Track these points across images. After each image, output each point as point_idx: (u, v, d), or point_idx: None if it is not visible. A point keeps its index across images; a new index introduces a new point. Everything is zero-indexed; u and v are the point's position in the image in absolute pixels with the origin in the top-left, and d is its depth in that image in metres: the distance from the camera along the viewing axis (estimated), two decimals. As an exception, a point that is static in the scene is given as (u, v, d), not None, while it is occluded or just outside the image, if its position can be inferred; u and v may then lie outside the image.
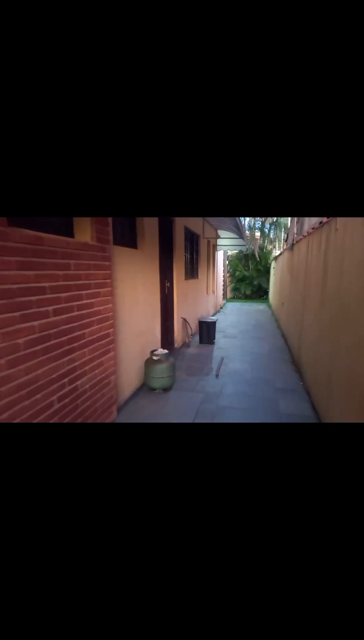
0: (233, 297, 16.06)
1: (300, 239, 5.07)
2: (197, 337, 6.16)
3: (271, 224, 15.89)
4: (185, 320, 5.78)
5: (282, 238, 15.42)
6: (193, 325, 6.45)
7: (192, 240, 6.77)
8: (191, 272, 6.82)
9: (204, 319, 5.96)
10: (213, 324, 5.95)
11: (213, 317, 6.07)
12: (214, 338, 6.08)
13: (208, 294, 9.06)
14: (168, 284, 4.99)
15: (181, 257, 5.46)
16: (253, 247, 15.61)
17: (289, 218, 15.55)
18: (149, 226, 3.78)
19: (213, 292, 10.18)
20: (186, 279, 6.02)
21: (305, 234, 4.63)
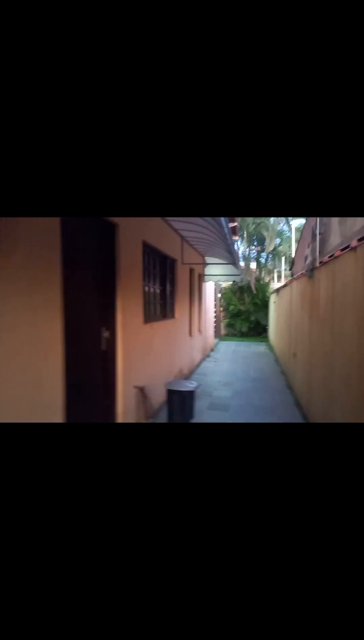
0: (228, 335, 13.95)
1: (328, 261, 3.04)
2: (165, 413, 3.85)
3: (268, 254, 14.36)
4: (141, 390, 3.52)
5: (282, 268, 13.79)
6: (162, 393, 4.17)
7: (164, 266, 4.76)
8: (162, 310, 4.73)
9: (176, 386, 3.72)
10: (191, 394, 3.70)
11: (190, 384, 3.82)
12: (192, 414, 3.79)
13: (193, 336, 6.92)
14: (107, 334, 2.83)
15: (136, 289, 3.37)
16: (248, 279, 13.86)
17: (293, 245, 14.16)
18: (30, 226, 1.70)
19: (200, 332, 8.06)
20: (149, 321, 3.89)
21: (337, 253, 2.62)
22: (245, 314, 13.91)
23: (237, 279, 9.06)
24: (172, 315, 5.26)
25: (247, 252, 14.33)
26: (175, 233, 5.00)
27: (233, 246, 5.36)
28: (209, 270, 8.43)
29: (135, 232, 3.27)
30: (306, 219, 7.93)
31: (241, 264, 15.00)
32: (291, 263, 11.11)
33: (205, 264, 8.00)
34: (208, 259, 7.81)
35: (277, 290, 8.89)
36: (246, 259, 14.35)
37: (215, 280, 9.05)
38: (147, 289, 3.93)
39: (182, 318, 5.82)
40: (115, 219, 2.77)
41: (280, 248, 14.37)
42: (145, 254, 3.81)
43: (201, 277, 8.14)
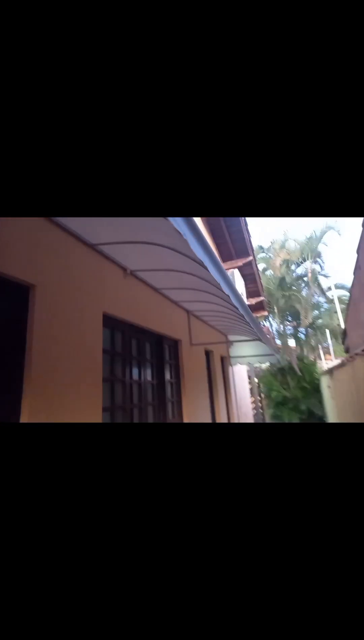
0: (274, 429, 11.14)
1: None
2: None
3: (307, 327, 12.68)
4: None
5: (328, 343, 11.83)
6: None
7: (159, 350, 3.47)
8: (159, 411, 3.20)
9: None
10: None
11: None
12: None
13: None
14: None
15: (88, 381, 2.02)
16: (288, 358, 11.91)
17: (340, 318, 12.43)
18: None
19: (233, 433, 6.01)
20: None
21: None
22: (293, 402, 11.36)
23: (273, 359, 7.36)
24: (179, 417, 3.66)
25: (281, 327, 12.83)
26: (176, 306, 3.87)
27: (253, 317, 4.02)
28: (236, 350, 6.96)
29: (81, 299, 2.13)
30: (354, 276, 6.58)
31: (277, 341, 13.35)
32: (343, 336, 9.25)
33: (228, 343, 6.60)
34: (233, 337, 6.46)
35: (330, 371, 6.89)
36: (282, 336, 12.74)
37: (246, 362, 7.43)
38: (116, 382, 2.56)
39: (196, 416, 4.13)
40: (31, 280, 1.67)
41: (320, 321, 12.73)
42: (115, 332, 2.60)
43: (226, 360, 6.63)
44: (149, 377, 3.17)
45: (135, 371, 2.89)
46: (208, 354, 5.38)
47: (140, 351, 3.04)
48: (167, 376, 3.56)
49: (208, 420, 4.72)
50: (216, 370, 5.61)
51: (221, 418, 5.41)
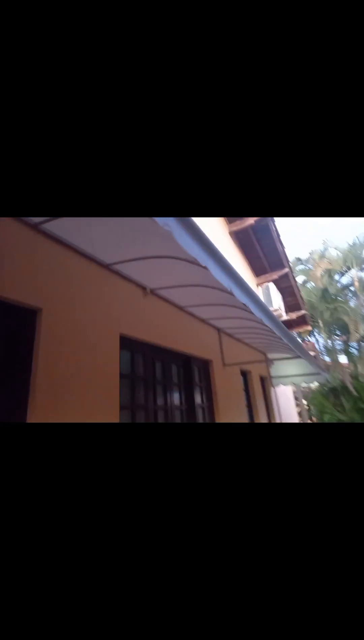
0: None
1: None
2: None
3: (359, 341, 11.41)
4: None
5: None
6: None
7: (187, 372, 3.24)
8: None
9: None
10: None
11: None
12: None
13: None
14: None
15: (105, 408, 1.86)
16: (340, 377, 10.74)
17: None
18: None
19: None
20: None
21: None
22: (350, 426, 10.04)
23: (321, 378, 6.60)
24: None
25: (330, 344, 11.71)
26: (204, 324, 3.66)
27: (292, 337, 3.60)
28: (278, 369, 6.40)
29: (93, 322, 2.03)
30: None
31: (326, 359, 12.16)
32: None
33: (268, 362, 6.10)
34: (273, 355, 5.97)
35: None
36: (331, 352, 11.59)
37: (291, 382, 6.77)
38: (138, 409, 2.37)
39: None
40: (37, 304, 1.62)
41: (374, 333, 11.40)
42: (135, 355, 2.45)
43: (267, 381, 6.10)
44: (177, 402, 2.93)
45: (159, 396, 2.68)
46: (245, 374, 4.98)
47: (166, 374, 2.85)
48: (198, 400, 3.28)
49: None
50: (256, 392, 5.14)
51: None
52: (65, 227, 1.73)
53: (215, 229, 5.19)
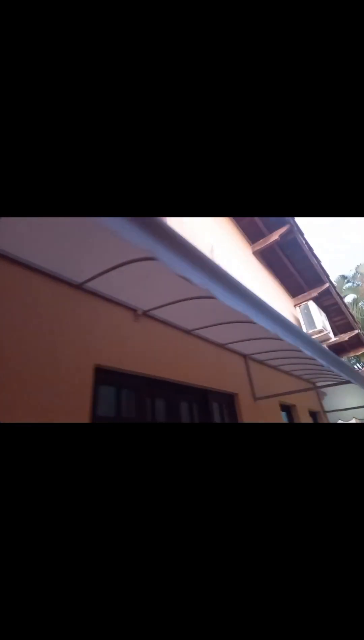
0: None
1: None
2: None
3: None
4: None
5: None
6: None
7: (205, 409, 2.67)
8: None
9: None
10: None
11: None
12: None
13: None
14: None
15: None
16: None
17: None
18: None
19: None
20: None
21: None
22: None
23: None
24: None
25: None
26: (223, 349, 3.11)
27: (333, 356, 2.87)
28: (333, 401, 5.31)
29: (57, 352, 1.69)
30: None
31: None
32: None
33: (319, 393, 5.10)
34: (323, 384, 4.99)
35: None
36: None
37: (352, 416, 5.51)
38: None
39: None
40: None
41: None
42: (121, 391, 2.01)
43: (321, 417, 5.04)
44: (189, 449, 2.34)
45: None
46: (287, 409, 4.13)
47: (172, 413, 2.32)
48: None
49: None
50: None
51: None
52: (26, 245, 1.50)
53: (233, 251, 4.79)
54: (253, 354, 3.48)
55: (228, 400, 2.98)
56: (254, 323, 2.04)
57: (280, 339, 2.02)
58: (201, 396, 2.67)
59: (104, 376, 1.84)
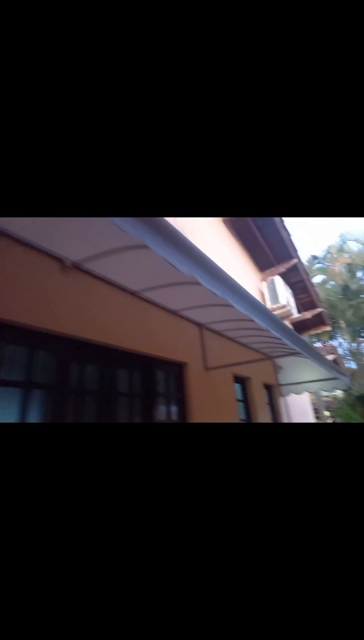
0: None
1: None
2: None
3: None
4: None
5: None
6: None
7: (148, 378, 2.47)
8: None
9: None
10: None
11: None
12: None
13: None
14: None
15: None
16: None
17: None
18: None
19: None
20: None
21: None
22: (384, 441, 8.63)
23: (341, 384, 5.52)
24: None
25: (355, 347, 10.37)
26: (174, 316, 2.88)
27: (290, 331, 2.75)
28: (289, 375, 5.42)
29: None
30: None
31: (353, 365, 10.77)
32: None
33: (276, 366, 5.16)
34: (281, 359, 5.03)
35: None
36: (355, 355, 10.24)
37: (304, 390, 5.72)
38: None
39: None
40: None
41: None
42: (36, 352, 1.72)
43: (275, 389, 5.14)
44: (124, 420, 2.15)
45: (90, 411, 1.92)
46: (242, 381, 4.10)
47: (106, 381, 2.09)
48: (161, 416, 2.48)
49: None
50: (258, 403, 4.22)
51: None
52: None
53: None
54: (210, 323, 3.30)
55: (177, 369, 2.81)
56: (203, 286, 1.81)
57: (233, 307, 1.84)
58: (145, 365, 2.45)
59: (11, 334, 1.53)
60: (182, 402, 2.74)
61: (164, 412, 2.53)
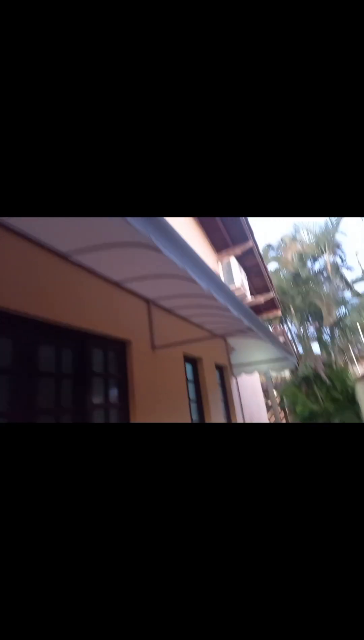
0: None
1: None
2: None
3: (332, 327, 10.81)
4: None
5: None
6: None
7: (84, 357, 2.16)
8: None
9: None
10: None
11: None
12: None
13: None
14: None
15: None
16: (313, 365, 10.12)
17: None
18: None
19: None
20: None
21: None
22: (323, 417, 9.45)
23: (289, 364, 5.77)
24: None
25: (300, 329, 11.03)
26: (118, 288, 2.57)
27: (247, 311, 2.62)
28: (240, 356, 5.48)
29: None
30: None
31: (300, 350, 11.52)
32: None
33: (228, 347, 5.16)
34: (233, 339, 5.02)
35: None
36: (303, 340, 10.93)
37: (255, 370, 5.87)
38: None
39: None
40: None
41: (348, 319, 10.82)
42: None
43: (227, 370, 5.15)
44: (46, 405, 1.83)
45: (3, 392, 1.57)
46: (193, 361, 3.97)
47: (24, 357, 1.73)
48: (99, 400, 2.21)
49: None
50: (209, 384, 4.15)
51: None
52: None
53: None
54: (159, 298, 3.05)
55: (118, 347, 2.53)
56: (159, 252, 1.53)
57: (192, 281, 1.60)
58: (79, 341, 2.13)
59: None
60: (123, 383, 2.48)
61: (102, 394, 2.25)
